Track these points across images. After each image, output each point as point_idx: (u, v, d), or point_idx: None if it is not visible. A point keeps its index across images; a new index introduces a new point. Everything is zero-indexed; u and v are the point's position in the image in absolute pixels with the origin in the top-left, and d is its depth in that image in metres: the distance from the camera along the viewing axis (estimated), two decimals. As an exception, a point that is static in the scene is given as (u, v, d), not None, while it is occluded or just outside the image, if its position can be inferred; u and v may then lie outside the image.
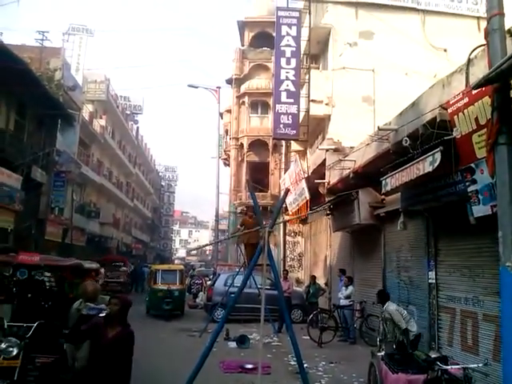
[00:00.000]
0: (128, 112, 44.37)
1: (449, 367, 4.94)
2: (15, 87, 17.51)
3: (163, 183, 72.17)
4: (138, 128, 48.78)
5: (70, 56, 28.10)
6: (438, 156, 6.97)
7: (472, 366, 5.10)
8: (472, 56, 6.90)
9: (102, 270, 22.95)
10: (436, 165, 6.99)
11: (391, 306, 7.80)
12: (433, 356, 5.35)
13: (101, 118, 33.48)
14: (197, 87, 28.07)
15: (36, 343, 6.01)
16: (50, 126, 22.29)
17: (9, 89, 17.62)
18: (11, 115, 18.51)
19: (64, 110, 21.77)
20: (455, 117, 6.58)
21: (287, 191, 7.55)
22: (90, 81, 31.53)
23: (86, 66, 30.79)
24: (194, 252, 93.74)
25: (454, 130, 6.63)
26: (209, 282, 19.62)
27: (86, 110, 29.59)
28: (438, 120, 7.20)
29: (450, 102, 6.73)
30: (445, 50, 16.25)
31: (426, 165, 7.30)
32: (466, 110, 6.31)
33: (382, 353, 7.00)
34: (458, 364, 5.27)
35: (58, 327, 6.34)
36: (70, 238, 24.89)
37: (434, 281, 8.74)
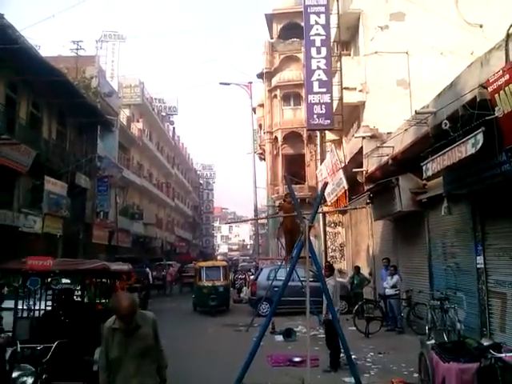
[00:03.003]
0: (163, 114, 45.17)
1: (503, 355, 4.78)
2: (55, 98, 18.20)
3: (201, 181, 73.22)
4: (174, 129, 49.64)
5: (104, 63, 28.91)
6: (481, 137, 6.74)
7: (528, 352, 4.91)
8: (511, 31, 6.61)
9: (147, 270, 23.56)
10: (479, 146, 6.77)
11: (332, 281, 8.52)
12: (485, 343, 5.20)
13: (138, 121, 34.30)
14: (229, 84, 28.18)
15: (56, 368, 5.00)
16: (89, 132, 23.06)
17: (49, 100, 18.33)
18: (53, 125, 19.27)
19: (102, 116, 22.46)
20: (496, 95, 6.34)
21: (325, 185, 7.49)
22: (125, 86, 32.31)
23: (121, 72, 31.63)
24: (236, 247, 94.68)
25: (496, 109, 6.39)
26: (252, 277, 19.77)
27: (124, 115, 30.37)
28: (478, 100, 6.96)
29: (490, 81, 6.49)
30: (481, 26, 15.56)
31: (469, 147, 7.08)
32: (507, 88, 6.08)
33: (432, 341, 6.89)
34: (513, 351, 5.09)
35: (83, 347, 5.35)
36: (116, 240, 25.71)
37: (482, 265, 8.46)
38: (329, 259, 19.03)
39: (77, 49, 24.28)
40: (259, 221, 35.38)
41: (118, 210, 26.69)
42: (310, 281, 7.13)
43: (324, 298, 7.91)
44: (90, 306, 6.47)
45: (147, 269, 23.93)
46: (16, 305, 6.21)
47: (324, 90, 18.07)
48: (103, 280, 6.78)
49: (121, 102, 30.32)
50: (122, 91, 31.57)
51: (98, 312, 6.09)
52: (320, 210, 19.82)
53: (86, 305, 6.53)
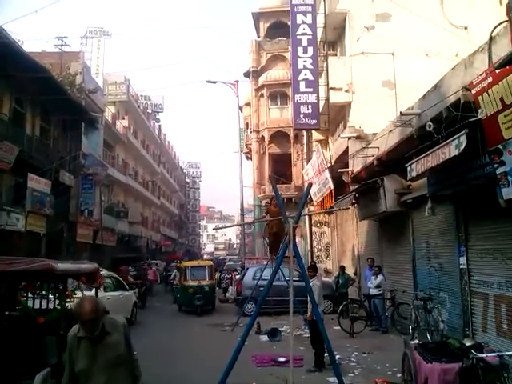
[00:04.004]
0: (149, 111, 44.83)
1: (484, 355, 4.83)
2: (39, 94, 17.92)
3: (188, 180, 72.93)
4: (160, 126, 49.32)
5: (89, 59, 28.53)
6: (464, 139, 6.80)
7: (508, 353, 4.97)
8: (494, 34, 6.69)
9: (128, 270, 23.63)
10: (462, 148, 6.83)
11: (317, 282, 8.42)
12: (467, 344, 5.25)
13: (123, 118, 33.99)
14: (215, 82, 28.12)
15: None
16: (74, 129, 22.76)
17: (33, 96, 18.05)
18: (36, 122, 18.96)
19: (87, 113, 22.19)
20: (479, 97, 6.40)
21: (310, 185, 7.50)
22: (110, 82, 31.97)
23: (106, 69, 31.24)
24: (222, 246, 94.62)
25: (479, 111, 6.45)
26: (237, 276, 19.74)
27: (109, 112, 30.05)
28: (461, 102, 7.02)
29: (474, 83, 6.54)
30: (465, 28, 15.76)
31: (452, 148, 7.15)
32: (490, 90, 6.13)
33: (416, 341, 6.94)
34: (494, 351, 5.14)
35: (19, 370, 4.50)
36: (101, 239, 25.43)
37: (465, 266, 8.56)
38: (315, 259, 19.10)
39: (61, 45, 23.91)
40: (246, 219, 35.35)
41: (102, 208, 26.39)
42: (296, 280, 7.14)
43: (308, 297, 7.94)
44: (29, 318, 5.27)
45: (163, 264, 25.13)
46: None
47: (310, 89, 18.12)
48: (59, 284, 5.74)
49: (106, 98, 29.98)
50: (107, 88, 31.22)
51: (41, 326, 5.06)
52: (306, 209, 19.89)
53: (23, 317, 5.35)
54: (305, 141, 23.45)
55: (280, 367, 8.14)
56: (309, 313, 8.48)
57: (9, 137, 15.68)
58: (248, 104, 34.45)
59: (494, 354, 4.89)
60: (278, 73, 31.36)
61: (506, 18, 6.63)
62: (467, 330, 8.38)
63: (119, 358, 3.26)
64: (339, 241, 19.01)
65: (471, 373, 4.86)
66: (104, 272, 12.80)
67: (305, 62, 18.28)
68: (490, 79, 6.16)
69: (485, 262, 8.02)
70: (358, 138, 13.96)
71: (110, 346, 3.23)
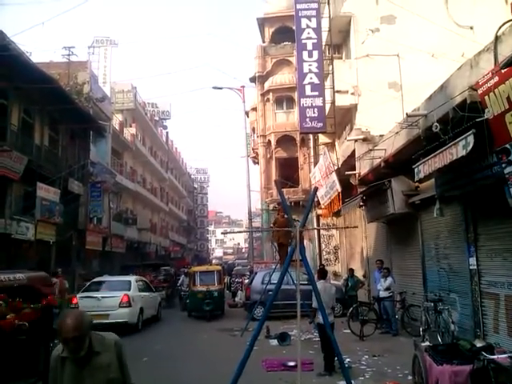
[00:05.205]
0: (156, 118, 45.07)
1: (495, 356, 4.79)
2: (47, 104, 18.13)
3: (196, 185, 73.16)
4: (167, 133, 49.53)
5: (96, 68, 28.79)
6: (471, 139, 6.76)
7: (520, 353, 4.92)
8: (499, 33, 6.67)
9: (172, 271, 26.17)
10: (469, 148, 6.79)
11: (319, 285, 8.09)
12: (478, 345, 5.21)
13: (131, 126, 34.20)
14: (221, 88, 28.24)
15: None
16: (82, 138, 22.99)
17: (41, 106, 18.25)
18: (45, 131, 19.17)
19: (95, 121, 22.38)
20: (486, 97, 6.37)
21: (316, 189, 7.50)
22: (117, 91, 32.22)
23: (113, 77, 31.50)
24: (231, 250, 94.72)
25: (486, 110, 6.41)
26: (246, 281, 19.74)
27: (116, 120, 30.26)
28: (468, 102, 6.99)
29: (480, 83, 6.52)
30: (471, 28, 15.70)
31: (459, 149, 7.11)
32: (496, 90, 6.11)
33: (426, 343, 6.90)
34: (505, 352, 5.09)
35: None
36: (110, 246, 25.59)
37: (475, 267, 8.49)
38: (323, 262, 19.04)
39: (68, 54, 24.15)
40: (254, 223, 35.34)
41: (111, 215, 26.56)
42: (304, 284, 7.13)
43: (314, 299, 7.90)
44: None
45: (172, 270, 27.70)
46: None
47: (316, 93, 18.12)
48: None
49: (113, 107, 30.22)
50: (114, 96, 31.47)
51: None
52: (313, 213, 19.89)
53: None
54: (311, 144, 23.47)
55: (290, 371, 8.12)
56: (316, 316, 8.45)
57: (18, 147, 15.87)
58: (254, 109, 34.53)
59: (505, 355, 4.85)
60: (284, 77, 31.42)
61: (511, 17, 6.61)
62: (478, 331, 8.31)
63: (111, 382, 2.86)
64: (347, 243, 18.94)
65: (482, 374, 4.81)
66: (136, 276, 16.26)
67: (310, 65, 18.30)
68: (496, 79, 6.14)
69: (495, 262, 7.96)
70: (364, 140, 13.95)
71: (100, 368, 2.82)
